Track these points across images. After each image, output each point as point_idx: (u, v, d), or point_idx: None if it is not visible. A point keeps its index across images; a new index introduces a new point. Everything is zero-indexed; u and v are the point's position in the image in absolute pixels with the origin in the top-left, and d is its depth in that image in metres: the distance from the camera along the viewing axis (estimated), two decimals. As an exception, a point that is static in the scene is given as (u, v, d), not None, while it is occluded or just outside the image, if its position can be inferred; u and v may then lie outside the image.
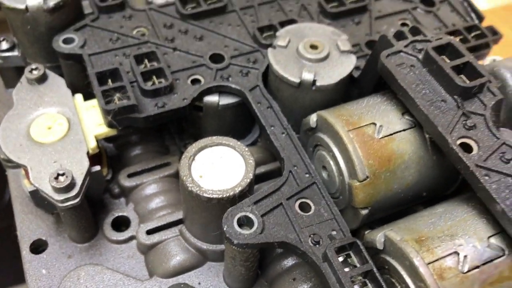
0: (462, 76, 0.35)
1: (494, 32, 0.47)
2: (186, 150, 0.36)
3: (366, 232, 0.34)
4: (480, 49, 0.45)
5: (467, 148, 0.32)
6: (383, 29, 0.46)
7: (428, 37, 0.37)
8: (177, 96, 0.40)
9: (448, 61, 0.35)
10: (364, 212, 0.35)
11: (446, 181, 0.37)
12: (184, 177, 0.34)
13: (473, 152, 0.32)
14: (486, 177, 0.30)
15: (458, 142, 0.32)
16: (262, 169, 0.43)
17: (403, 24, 0.47)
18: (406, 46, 0.37)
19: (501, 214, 0.29)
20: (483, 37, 0.46)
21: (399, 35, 0.39)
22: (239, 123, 0.44)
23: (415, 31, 0.39)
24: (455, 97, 0.34)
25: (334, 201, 0.37)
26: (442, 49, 0.36)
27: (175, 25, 0.45)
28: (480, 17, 0.49)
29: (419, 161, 0.35)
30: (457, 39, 0.45)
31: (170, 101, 0.40)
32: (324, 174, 0.38)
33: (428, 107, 0.33)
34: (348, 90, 0.43)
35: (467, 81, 0.34)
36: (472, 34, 0.46)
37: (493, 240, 0.30)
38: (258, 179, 0.43)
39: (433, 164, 0.35)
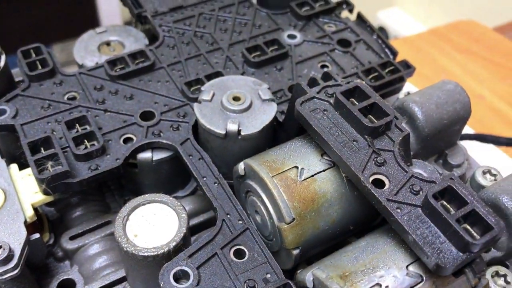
0: (370, 116, 0.38)
1: (407, 66, 0.51)
2: (120, 211, 0.37)
3: (298, 272, 0.36)
4: (395, 83, 0.49)
5: (379, 184, 0.34)
6: (304, 72, 0.50)
7: (339, 82, 0.40)
8: (110, 157, 0.41)
9: (357, 103, 0.38)
10: (296, 252, 0.37)
11: (370, 213, 0.39)
12: (119, 238, 0.35)
13: (385, 187, 0.34)
14: (398, 210, 0.33)
15: (371, 179, 0.35)
16: (201, 218, 0.44)
17: (323, 66, 0.51)
18: (318, 92, 0.39)
19: (413, 243, 0.32)
20: (397, 72, 0.49)
21: (312, 82, 0.41)
22: (177, 175, 0.46)
23: (326, 76, 0.42)
24: (365, 136, 0.37)
25: (269, 243, 0.39)
26: (351, 92, 0.39)
27: (105, 86, 0.47)
28: (394, 53, 0.53)
29: (341, 198, 0.37)
30: (373, 76, 0.49)
31: (103, 162, 0.41)
32: (258, 218, 0.39)
33: (341, 149, 0.36)
34: (277, 134, 0.45)
35: (375, 121, 0.37)
36: (387, 70, 0.49)
37: (411, 268, 0.33)
38: (198, 227, 0.44)
39: (354, 199, 0.38)
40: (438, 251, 0.31)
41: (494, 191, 0.36)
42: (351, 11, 0.57)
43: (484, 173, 0.42)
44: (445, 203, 0.33)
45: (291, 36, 0.53)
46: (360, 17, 0.56)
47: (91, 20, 1.34)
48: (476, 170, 0.42)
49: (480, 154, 0.73)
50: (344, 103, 0.37)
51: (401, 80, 0.49)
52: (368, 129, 0.36)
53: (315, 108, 0.39)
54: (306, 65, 0.50)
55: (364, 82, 0.39)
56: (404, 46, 1.00)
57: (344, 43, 0.53)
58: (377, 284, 0.32)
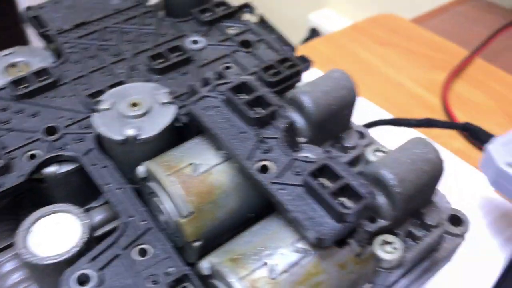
0: (257, 108, 0.40)
1: (304, 60, 0.53)
2: (21, 224, 0.38)
3: (198, 262, 0.37)
4: (293, 77, 0.51)
5: (265, 169, 0.37)
6: (207, 75, 0.51)
7: (230, 79, 0.42)
8: (14, 174, 0.42)
9: (246, 97, 0.41)
10: (197, 244, 0.38)
11: (268, 200, 0.41)
12: (20, 250, 0.36)
13: (270, 172, 0.37)
14: (282, 191, 0.35)
15: (257, 165, 0.37)
16: (112, 225, 0.45)
17: (227, 68, 0.53)
18: (210, 90, 0.41)
19: (295, 220, 0.34)
20: (294, 67, 0.52)
21: (206, 82, 0.44)
22: (88, 186, 0.47)
23: (219, 76, 0.44)
24: (253, 127, 0.39)
25: (176, 240, 0.40)
26: (240, 88, 0.41)
27: (9, 107, 0.47)
28: (293, 49, 0.56)
29: (237, 187, 0.39)
30: (272, 72, 0.51)
31: (7, 180, 0.42)
32: (162, 218, 0.41)
33: (230, 141, 0.38)
34: (184, 134, 0.47)
35: (262, 112, 0.39)
36: (285, 65, 0.52)
37: (299, 245, 0.35)
38: (111, 234, 0.45)
39: (250, 188, 0.40)
40: (317, 225, 0.33)
41: (376, 165, 0.39)
42: (252, 13, 0.60)
43: (374, 151, 0.45)
44: (324, 180, 0.36)
45: (195, 42, 0.55)
46: (262, 18, 0.59)
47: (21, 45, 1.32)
48: (366, 149, 0.45)
49: (400, 137, 0.77)
50: (232, 98, 0.40)
51: (298, 73, 0.52)
52: (254, 120, 0.39)
53: (207, 106, 0.41)
54: (210, 68, 0.52)
55: (252, 78, 0.42)
56: (327, 43, 1.04)
57: (246, 44, 0.55)
58: (265, 263, 0.34)
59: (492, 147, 0.61)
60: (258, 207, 0.41)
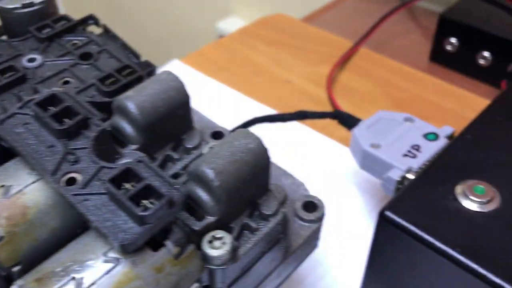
0: (66, 119, 0.39)
1: (148, 65, 0.53)
2: None
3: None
4: (133, 84, 0.50)
5: (71, 181, 0.35)
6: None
7: (41, 94, 0.41)
8: None
9: (55, 109, 0.39)
10: (17, 269, 0.36)
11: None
12: None
13: (77, 184, 0.35)
14: (86, 202, 0.34)
15: (64, 178, 0.35)
16: None
17: (65, 82, 0.51)
18: (20, 107, 0.40)
19: (98, 229, 0.33)
20: (134, 73, 0.51)
21: (19, 99, 0.42)
22: None
23: (34, 91, 0.42)
24: (61, 140, 0.37)
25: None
26: (49, 101, 0.39)
27: None
28: (137, 56, 0.55)
29: (56, 205, 0.38)
30: (110, 81, 0.50)
31: None
32: (-16, 248, 0.39)
33: (37, 157, 0.36)
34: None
35: (68, 122, 0.38)
36: (124, 73, 0.51)
37: (110, 254, 0.34)
38: None
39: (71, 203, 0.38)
40: (119, 231, 0.32)
41: (196, 163, 0.38)
42: (97, 24, 0.58)
43: (209, 148, 0.44)
44: (129, 185, 0.34)
45: (31, 60, 0.53)
46: (105, 28, 0.58)
47: None
48: (203, 147, 0.45)
49: (286, 134, 0.77)
50: (38, 112, 0.38)
51: (140, 80, 0.50)
52: (61, 132, 0.37)
53: (16, 123, 0.39)
54: (47, 84, 0.50)
55: (61, 89, 0.40)
56: (216, 49, 1.04)
57: (86, 56, 0.54)
58: (73, 278, 0.32)
59: (357, 130, 0.62)
60: (85, 222, 0.39)
